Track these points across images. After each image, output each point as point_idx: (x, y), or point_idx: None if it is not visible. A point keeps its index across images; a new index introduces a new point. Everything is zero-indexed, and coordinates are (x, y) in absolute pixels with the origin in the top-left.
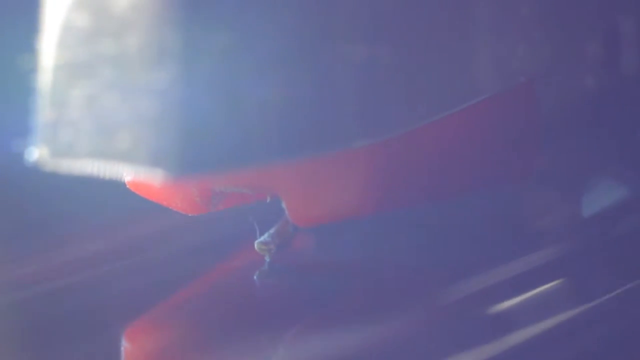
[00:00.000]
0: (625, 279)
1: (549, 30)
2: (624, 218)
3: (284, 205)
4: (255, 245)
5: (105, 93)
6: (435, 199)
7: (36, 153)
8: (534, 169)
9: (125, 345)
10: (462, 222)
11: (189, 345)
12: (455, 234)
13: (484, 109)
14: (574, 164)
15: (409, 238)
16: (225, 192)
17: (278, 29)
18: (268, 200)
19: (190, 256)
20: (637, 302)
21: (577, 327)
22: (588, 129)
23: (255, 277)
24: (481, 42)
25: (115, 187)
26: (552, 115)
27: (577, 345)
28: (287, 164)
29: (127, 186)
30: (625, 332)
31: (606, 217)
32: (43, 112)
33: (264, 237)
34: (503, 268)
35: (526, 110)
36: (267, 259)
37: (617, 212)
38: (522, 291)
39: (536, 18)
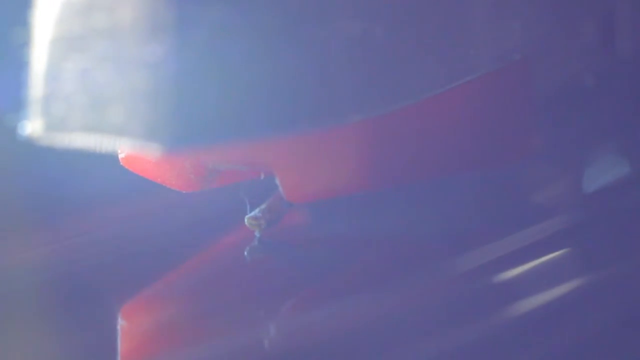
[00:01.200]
0: (628, 253)
1: (545, 6)
2: (625, 192)
3: (277, 181)
4: (246, 221)
5: (98, 66)
6: (431, 176)
7: (29, 127)
8: (532, 147)
9: (120, 323)
10: (460, 196)
11: (181, 322)
12: (452, 209)
13: (480, 86)
14: (574, 140)
15: (404, 214)
16: (219, 169)
17: (272, 1)
18: (262, 177)
19: (183, 233)
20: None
21: (579, 300)
22: (587, 105)
23: (245, 253)
24: (476, 19)
25: (108, 164)
26: (549, 92)
27: (579, 318)
28: (281, 139)
29: (121, 163)
30: (627, 305)
31: (607, 192)
32: (36, 85)
33: (255, 212)
34: (503, 242)
35: (522, 87)
36: (257, 234)
37: (618, 186)
38: (523, 265)
39: None
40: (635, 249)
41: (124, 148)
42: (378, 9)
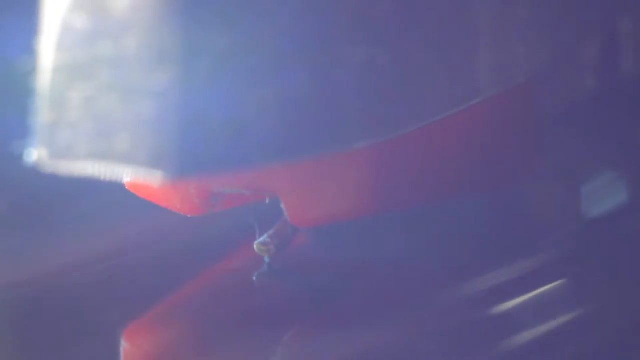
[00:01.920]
0: (626, 281)
1: (548, 30)
2: (624, 219)
3: (283, 206)
4: (255, 246)
5: (104, 94)
6: (434, 201)
7: (35, 154)
8: (534, 171)
9: (124, 345)
10: (461, 223)
11: (187, 345)
12: (454, 236)
13: (484, 110)
14: (574, 165)
15: (408, 239)
16: (224, 193)
17: (277, 29)
18: (267, 201)
19: (190, 257)
20: (638, 304)
21: (578, 328)
22: (588, 130)
23: (254, 278)
24: (480, 43)
25: (114, 188)
26: (551, 117)
27: (577, 347)
28: (286, 165)
29: (126, 187)
30: (625, 333)
31: (607, 219)
32: (42, 113)
33: (263, 237)
34: (503, 269)
35: (525, 111)
36: (267, 259)
37: (618, 213)
38: (522, 293)
39: (535, 18)
40: (634, 277)
41: (129, 175)
42: (382, 35)
